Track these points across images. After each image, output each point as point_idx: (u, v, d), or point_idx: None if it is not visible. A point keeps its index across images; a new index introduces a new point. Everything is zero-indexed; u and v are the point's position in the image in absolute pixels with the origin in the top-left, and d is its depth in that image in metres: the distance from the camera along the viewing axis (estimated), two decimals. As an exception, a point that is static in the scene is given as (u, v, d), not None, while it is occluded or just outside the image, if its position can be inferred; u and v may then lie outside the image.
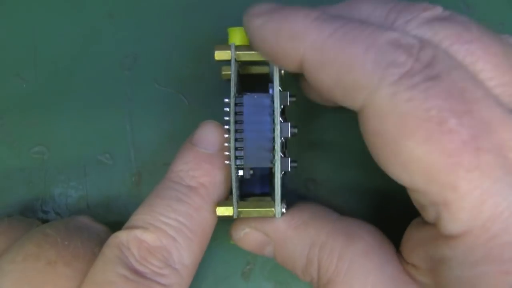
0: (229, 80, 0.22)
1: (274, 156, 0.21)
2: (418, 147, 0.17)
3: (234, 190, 0.22)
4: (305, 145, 0.26)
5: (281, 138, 0.21)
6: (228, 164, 0.21)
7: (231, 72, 0.21)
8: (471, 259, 0.17)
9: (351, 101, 0.18)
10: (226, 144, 0.22)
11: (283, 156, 0.21)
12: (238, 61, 0.22)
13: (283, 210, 0.22)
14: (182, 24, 0.26)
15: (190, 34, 0.26)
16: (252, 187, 0.24)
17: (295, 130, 0.21)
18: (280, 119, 0.21)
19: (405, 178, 0.18)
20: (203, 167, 0.22)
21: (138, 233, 0.20)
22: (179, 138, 0.26)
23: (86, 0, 0.27)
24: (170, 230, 0.20)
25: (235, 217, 0.22)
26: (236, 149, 0.21)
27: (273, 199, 0.22)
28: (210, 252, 0.26)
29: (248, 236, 0.23)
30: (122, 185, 0.26)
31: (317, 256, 0.21)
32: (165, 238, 0.20)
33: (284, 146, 0.22)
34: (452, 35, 0.18)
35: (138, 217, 0.21)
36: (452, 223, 0.17)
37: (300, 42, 0.19)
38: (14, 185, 0.26)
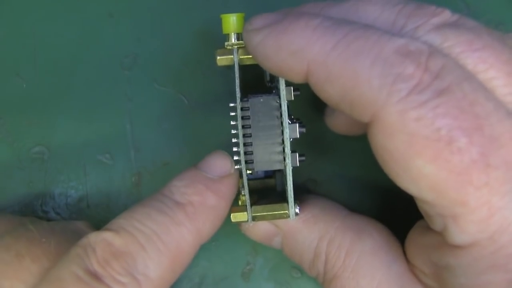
0: (226, 67, 0.21)
1: (284, 158, 0.21)
2: (427, 165, 0.16)
3: (246, 195, 0.22)
4: (305, 145, 0.26)
5: (290, 139, 0.21)
6: (239, 168, 0.22)
7: (236, 77, 0.21)
8: (477, 268, 0.17)
9: (358, 116, 0.18)
10: (234, 168, 0.22)
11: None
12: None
13: (297, 211, 0.22)
14: (182, 24, 0.26)
15: (190, 34, 0.26)
16: (256, 173, 0.24)
17: (303, 130, 0.21)
18: (288, 120, 0.21)
19: (414, 191, 0.18)
20: (197, 186, 0.21)
21: (107, 235, 0.19)
22: (179, 138, 0.26)
23: (86, 0, 0.27)
24: (140, 237, 0.19)
25: (249, 222, 0.22)
26: (245, 154, 0.21)
27: (286, 201, 0.22)
28: (210, 252, 0.26)
29: (257, 225, 0.23)
30: (122, 185, 0.26)
31: (325, 250, 0.22)
32: (133, 244, 0.19)
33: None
34: (463, 42, 0.18)
35: (116, 220, 0.20)
36: (460, 235, 0.17)
37: (302, 57, 0.18)
38: (14, 185, 0.26)
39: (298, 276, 0.26)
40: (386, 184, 0.23)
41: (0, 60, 0.26)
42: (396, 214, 0.23)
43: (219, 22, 0.22)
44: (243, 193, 0.22)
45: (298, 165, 0.21)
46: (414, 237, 0.21)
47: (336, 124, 0.24)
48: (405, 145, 0.17)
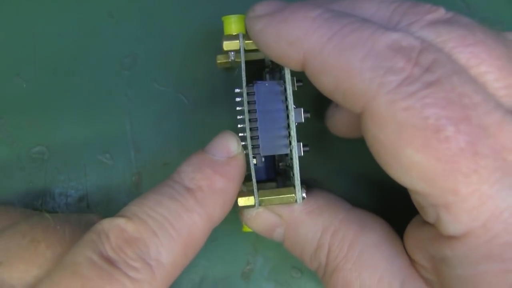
0: (226, 69, 0.21)
1: (290, 142, 0.21)
2: (416, 154, 0.17)
3: (253, 179, 0.22)
4: (306, 142, 0.25)
5: (295, 123, 0.21)
6: (246, 153, 0.22)
7: (241, 61, 0.21)
8: (472, 259, 0.17)
9: (351, 106, 0.18)
10: (241, 144, 0.22)
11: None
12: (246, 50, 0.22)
13: (304, 195, 0.22)
14: (182, 24, 0.26)
15: (190, 34, 0.26)
16: (258, 174, 0.24)
17: (308, 115, 0.21)
18: (293, 105, 0.21)
19: (406, 181, 0.18)
20: (204, 170, 0.21)
21: (120, 221, 0.20)
22: (179, 138, 0.26)
23: (86, 0, 0.27)
24: (152, 224, 0.20)
25: (256, 206, 0.22)
26: (251, 138, 0.21)
27: (293, 185, 0.22)
28: (210, 252, 0.26)
29: (260, 216, 0.23)
30: (122, 185, 0.26)
31: (328, 242, 0.22)
32: (145, 230, 0.20)
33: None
34: (456, 37, 0.18)
35: (128, 207, 0.20)
36: (453, 224, 0.17)
37: (299, 48, 0.19)
38: (14, 185, 0.26)
39: (298, 276, 0.26)
40: (385, 181, 0.23)
41: (0, 60, 0.26)
42: (395, 213, 0.23)
43: (219, 22, 0.22)
44: (244, 189, 0.22)
45: (302, 154, 0.21)
46: (411, 232, 0.21)
47: (336, 126, 0.24)
48: (394, 134, 0.17)
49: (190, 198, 0.21)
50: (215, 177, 0.21)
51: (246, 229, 0.24)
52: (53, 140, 0.26)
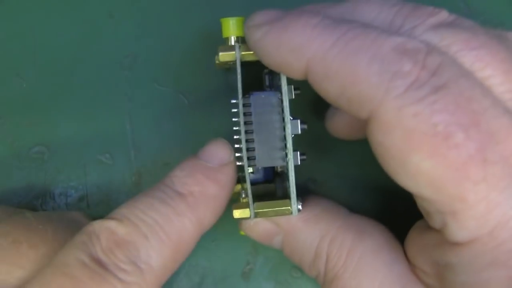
0: (225, 69, 0.21)
1: (286, 154, 0.21)
2: (424, 161, 0.17)
3: (249, 192, 0.22)
4: (306, 145, 0.26)
5: (292, 135, 0.21)
6: (240, 165, 0.21)
7: (237, 73, 0.21)
8: (478, 265, 0.17)
9: (356, 113, 0.18)
10: (234, 156, 0.22)
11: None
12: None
13: (299, 207, 0.22)
14: (182, 24, 0.26)
15: (190, 34, 0.26)
16: (256, 176, 0.24)
17: (305, 126, 0.21)
18: (290, 116, 0.21)
19: (412, 188, 0.18)
20: (196, 176, 0.21)
21: (111, 224, 0.20)
22: (179, 138, 0.26)
23: (86, 0, 0.27)
24: (143, 227, 0.20)
25: (252, 218, 0.22)
26: (247, 150, 0.21)
27: (289, 197, 0.22)
28: (210, 252, 0.26)
29: (258, 225, 0.23)
30: (122, 185, 0.26)
31: (326, 250, 0.22)
32: (136, 233, 0.20)
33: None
34: (460, 41, 0.18)
35: (119, 210, 0.20)
36: (459, 231, 0.17)
37: (301, 54, 0.18)
38: (14, 185, 0.26)
39: (298, 276, 0.26)
40: (386, 184, 0.23)
41: (0, 60, 0.26)
42: (396, 214, 0.23)
43: (219, 23, 0.22)
44: (244, 196, 0.22)
45: (299, 163, 0.21)
46: (414, 237, 0.21)
47: (336, 128, 0.24)
48: (402, 141, 0.17)
49: (181, 203, 0.20)
50: (206, 183, 0.21)
51: (243, 231, 0.24)
52: (53, 140, 0.26)
